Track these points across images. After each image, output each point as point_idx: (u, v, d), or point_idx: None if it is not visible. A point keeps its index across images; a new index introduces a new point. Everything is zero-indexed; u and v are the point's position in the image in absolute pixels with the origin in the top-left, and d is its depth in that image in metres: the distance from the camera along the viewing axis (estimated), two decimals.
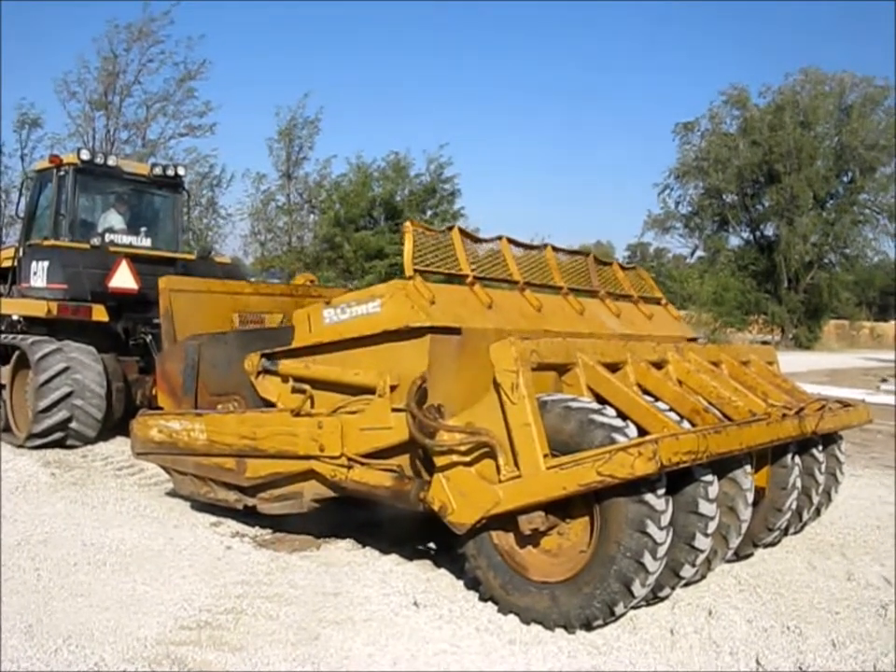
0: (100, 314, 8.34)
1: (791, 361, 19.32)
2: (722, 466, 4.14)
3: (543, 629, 3.82)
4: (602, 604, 3.70)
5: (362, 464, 4.44)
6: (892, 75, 60.17)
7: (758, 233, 43.68)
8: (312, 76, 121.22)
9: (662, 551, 3.67)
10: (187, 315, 6.14)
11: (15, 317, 8.83)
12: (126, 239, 9.26)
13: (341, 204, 30.73)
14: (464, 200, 35.75)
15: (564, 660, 3.55)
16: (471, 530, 4.00)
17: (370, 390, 4.42)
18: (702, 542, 3.94)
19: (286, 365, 4.91)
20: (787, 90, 41.33)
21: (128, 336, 8.75)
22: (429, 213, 30.90)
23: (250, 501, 5.19)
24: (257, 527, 5.40)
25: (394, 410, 4.25)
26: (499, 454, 3.80)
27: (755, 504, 4.53)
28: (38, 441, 7.92)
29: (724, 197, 43.09)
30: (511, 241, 5.12)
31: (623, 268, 6.09)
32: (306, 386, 4.80)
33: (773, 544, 5.20)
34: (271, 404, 5.03)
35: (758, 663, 3.61)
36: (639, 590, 3.68)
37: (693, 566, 4.01)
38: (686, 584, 4.27)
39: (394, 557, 4.83)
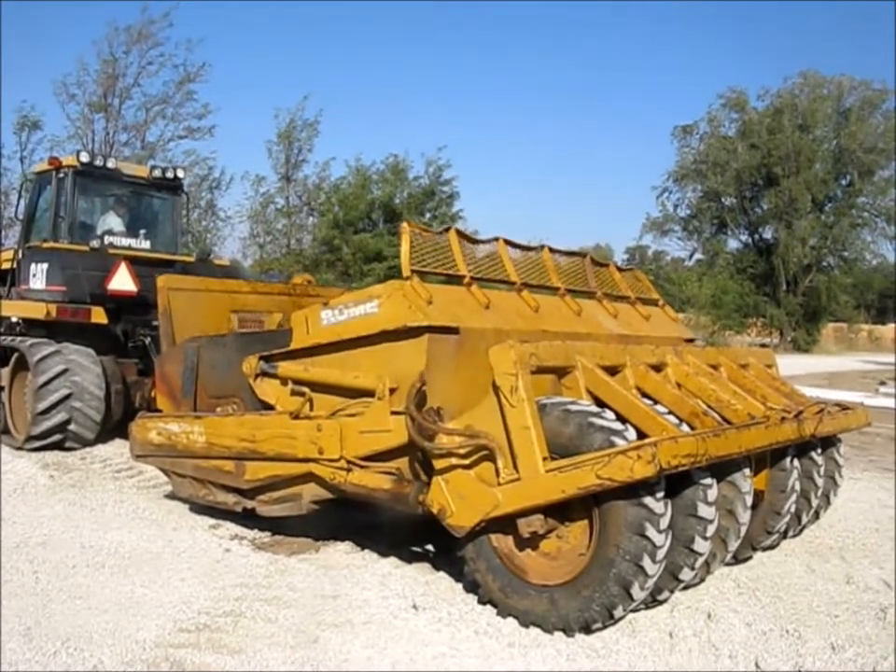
0: (99, 316, 8.35)
1: (790, 364, 19.32)
2: (721, 469, 4.14)
3: (542, 632, 3.81)
4: (601, 607, 3.70)
5: (361, 467, 4.44)
6: (891, 78, 60.14)
7: (756, 236, 43.74)
8: (311, 78, 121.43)
9: (661, 554, 3.67)
10: (185, 313, 6.15)
11: (14, 319, 8.83)
12: (125, 241, 9.27)
13: (340, 207, 30.74)
14: (463, 202, 35.82)
15: (563, 663, 3.55)
16: (470, 533, 4.00)
17: (369, 393, 4.42)
18: (701, 545, 3.94)
19: (285, 368, 4.91)
20: (785, 93, 41.43)
21: (127, 338, 8.76)
22: (428, 215, 30.92)
23: (249, 504, 5.19)
24: (255, 530, 5.40)
25: (393, 413, 4.25)
26: (498, 457, 3.80)
27: (754, 507, 4.53)
28: (37, 444, 7.92)
29: (723, 200, 43.14)
30: (507, 242, 5.13)
31: (619, 269, 6.10)
32: (305, 389, 4.80)
33: (772, 547, 5.20)
34: (269, 407, 5.03)
35: (757, 666, 3.60)
36: (638, 593, 3.68)
37: (692, 569, 4.02)
38: (685, 588, 4.27)
39: (393, 560, 4.83)
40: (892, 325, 54.01)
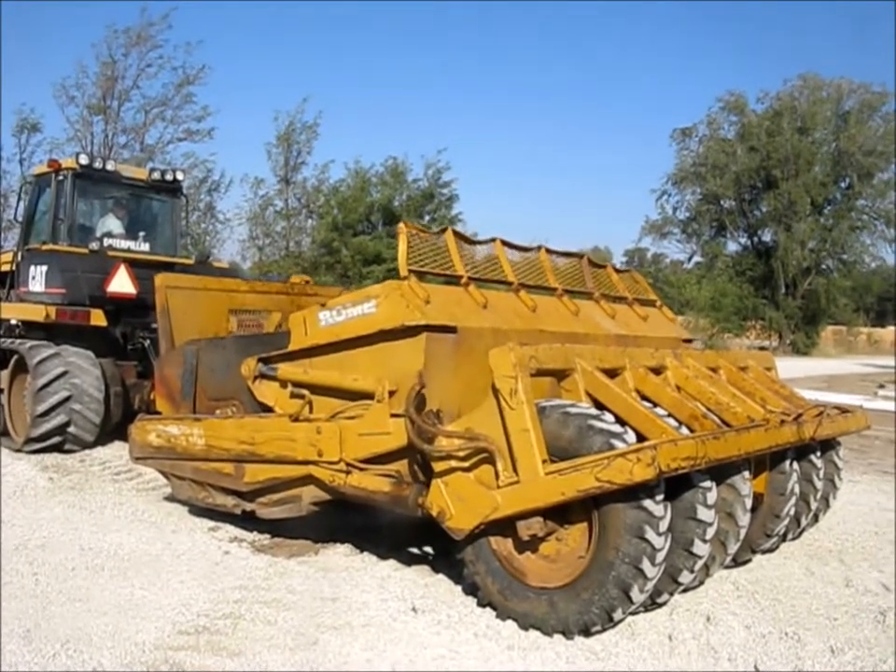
0: (98, 318, 8.34)
1: (789, 367, 19.31)
2: (721, 472, 4.14)
3: (541, 635, 3.81)
4: (600, 610, 3.70)
5: (361, 469, 4.44)
6: (890, 80, 60.38)
7: (756, 239, 43.74)
8: (310, 80, 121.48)
9: (660, 557, 3.67)
10: (183, 312, 6.15)
11: (13, 322, 8.83)
12: (124, 244, 9.27)
13: (339, 209, 30.77)
14: (462, 205, 35.75)
15: (562, 666, 3.55)
16: (470, 535, 4.00)
17: (368, 395, 4.42)
18: (700, 548, 3.94)
19: (284, 370, 4.91)
20: (785, 95, 41.43)
21: (126, 340, 8.76)
22: (427, 218, 30.96)
23: (248, 506, 5.19)
24: (255, 532, 5.40)
25: (393, 415, 4.25)
26: (498, 459, 3.80)
27: (753, 510, 4.53)
28: (36, 446, 7.92)
29: (722, 203, 43.13)
30: (505, 243, 5.14)
31: (617, 271, 6.12)
32: (304, 391, 4.80)
33: (771, 550, 5.21)
34: (268, 409, 5.03)
35: (756, 669, 3.61)
36: (638, 596, 3.68)
37: (692, 571, 4.02)
38: (684, 590, 4.27)
39: (392, 562, 4.83)
40: (891, 328, 54.06)
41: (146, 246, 9.50)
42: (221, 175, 31.40)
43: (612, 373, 4.43)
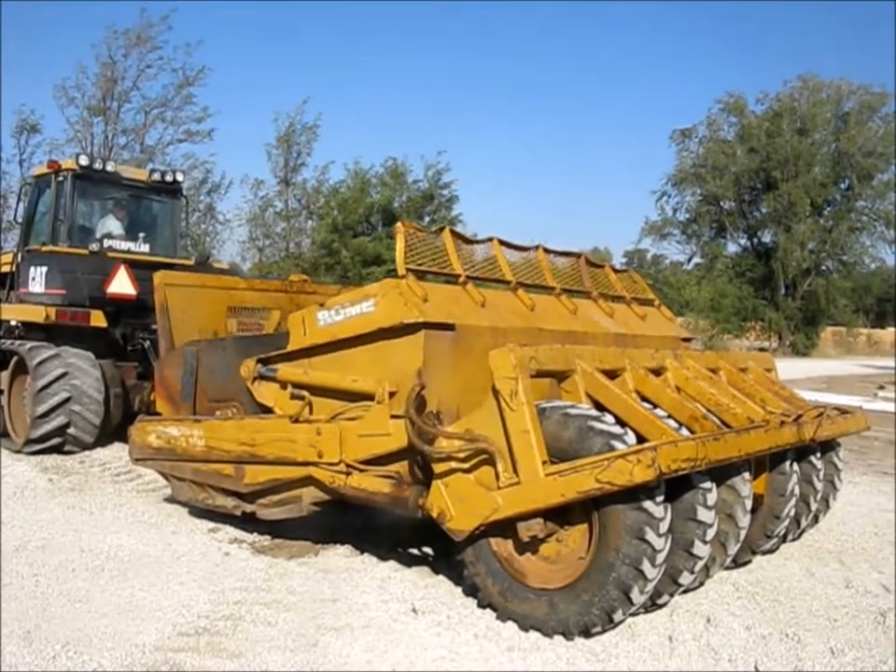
0: (98, 319, 8.34)
1: (789, 368, 19.32)
2: (721, 473, 4.15)
3: (542, 636, 3.81)
4: (601, 611, 3.70)
5: (361, 470, 4.44)
6: (890, 81, 60.45)
7: (755, 240, 43.78)
8: (310, 82, 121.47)
9: (660, 558, 3.67)
10: (182, 309, 6.15)
11: (13, 323, 8.83)
12: (124, 245, 9.27)
13: (339, 211, 30.78)
14: (462, 206, 35.75)
15: (562, 667, 3.55)
16: (470, 537, 4.00)
17: (368, 396, 4.43)
18: (700, 549, 3.94)
19: (284, 371, 4.91)
20: (784, 97, 41.48)
21: (126, 342, 8.75)
22: (427, 219, 30.98)
23: (248, 507, 5.19)
24: (255, 533, 5.39)
25: (393, 416, 4.25)
26: (498, 460, 3.80)
27: (753, 511, 4.53)
28: (36, 447, 7.91)
29: (722, 204, 43.17)
30: (502, 242, 5.14)
31: (615, 270, 6.13)
32: (304, 392, 4.80)
33: (771, 551, 5.21)
34: (268, 410, 5.03)
35: (756, 670, 3.61)
36: (638, 597, 3.68)
37: (692, 573, 4.02)
38: (684, 591, 4.27)
39: (392, 563, 4.83)
40: (891, 329, 54.11)
41: (146, 247, 9.50)
42: (221, 176, 31.51)
43: (612, 374, 4.43)
